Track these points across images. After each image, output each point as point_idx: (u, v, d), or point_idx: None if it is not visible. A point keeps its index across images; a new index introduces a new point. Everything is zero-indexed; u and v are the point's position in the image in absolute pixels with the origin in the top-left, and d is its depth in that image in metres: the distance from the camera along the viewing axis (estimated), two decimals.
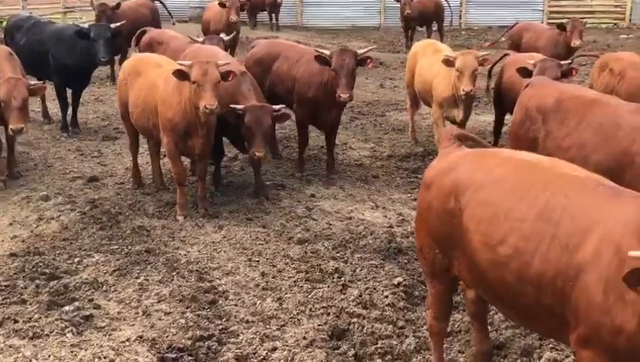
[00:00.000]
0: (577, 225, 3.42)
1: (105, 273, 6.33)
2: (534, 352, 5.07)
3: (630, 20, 26.07)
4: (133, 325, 5.49)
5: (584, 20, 13.14)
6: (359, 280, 6.22)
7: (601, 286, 3.25)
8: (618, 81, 8.31)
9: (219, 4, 15.45)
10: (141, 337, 5.27)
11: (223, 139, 8.50)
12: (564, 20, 26.17)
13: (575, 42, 11.98)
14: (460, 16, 26.01)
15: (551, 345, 5.16)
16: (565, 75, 7.98)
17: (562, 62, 8.16)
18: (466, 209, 3.88)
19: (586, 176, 3.71)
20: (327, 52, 8.72)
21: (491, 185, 3.85)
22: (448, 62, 8.84)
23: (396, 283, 6.10)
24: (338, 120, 9.26)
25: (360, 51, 8.77)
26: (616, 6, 26.60)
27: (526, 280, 3.58)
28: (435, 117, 9.64)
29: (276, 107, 7.91)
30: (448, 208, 3.99)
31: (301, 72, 8.95)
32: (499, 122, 9.74)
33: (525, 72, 7.73)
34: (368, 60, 8.68)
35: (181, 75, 7.18)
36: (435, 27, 20.19)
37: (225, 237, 7.18)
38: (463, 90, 8.58)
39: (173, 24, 16.97)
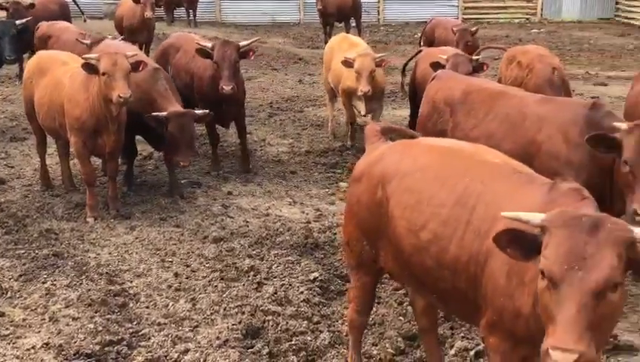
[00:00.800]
0: (489, 212, 3.48)
1: (10, 279, 6.08)
2: (446, 342, 5.12)
3: (541, 15, 26.90)
4: (39, 332, 5.28)
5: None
6: (275, 277, 6.15)
7: (504, 270, 3.31)
8: (527, 74, 8.48)
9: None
10: (47, 344, 5.07)
11: (136, 137, 8.28)
12: (478, 15, 27.08)
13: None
14: (378, 12, 26.29)
15: (462, 334, 5.25)
16: (477, 69, 8.15)
17: (473, 57, 8.32)
18: (392, 197, 3.92)
19: (504, 163, 3.78)
20: (209, 44, 8.64)
21: (416, 173, 3.90)
22: (347, 64, 9.17)
23: (312, 278, 6.07)
24: (239, 115, 9.12)
25: (242, 43, 8.78)
26: (527, 1, 27.37)
27: (444, 264, 3.63)
28: (343, 102, 10.05)
29: (199, 112, 7.79)
30: (376, 199, 4.02)
31: (197, 66, 8.88)
32: (414, 116, 9.84)
33: (438, 67, 7.82)
34: (251, 53, 8.78)
35: (90, 68, 6.95)
36: (353, 23, 20.32)
37: (137, 238, 6.99)
38: (361, 91, 8.99)
39: (85, 21, 16.50)
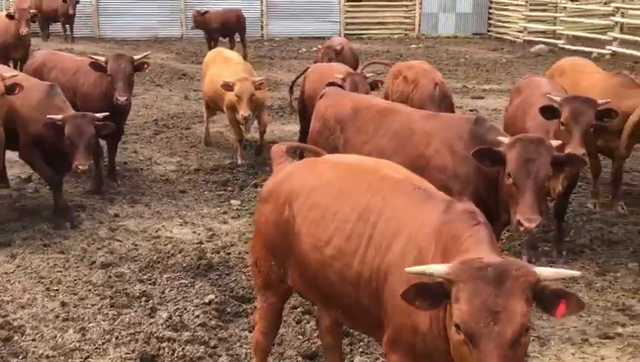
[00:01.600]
0: (389, 227, 3.52)
1: None
2: (345, 358, 5.12)
3: (419, 31, 27.84)
4: None
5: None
6: (168, 301, 5.98)
7: (404, 287, 3.31)
8: (412, 89, 8.73)
9: (6, 15, 14.30)
10: None
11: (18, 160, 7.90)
12: (359, 31, 27.68)
13: None
14: (262, 27, 26.39)
15: (361, 349, 5.27)
16: (372, 87, 8.32)
17: (367, 75, 8.50)
18: (298, 214, 3.92)
19: (405, 178, 3.82)
20: (102, 58, 8.76)
21: (321, 189, 3.92)
22: (227, 87, 9.41)
23: (207, 301, 5.95)
24: (122, 128, 9.09)
25: (137, 57, 8.85)
26: (406, 17, 28.27)
27: (347, 280, 3.64)
28: (229, 118, 10.19)
29: (99, 115, 7.48)
30: (283, 217, 4.00)
31: (80, 83, 8.87)
32: (304, 131, 9.88)
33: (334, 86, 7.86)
34: (145, 65, 8.91)
35: None
36: (238, 38, 20.31)
37: (19, 266, 6.63)
38: (242, 116, 9.38)
39: None
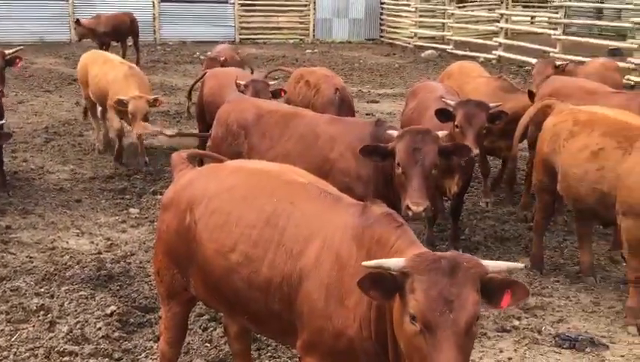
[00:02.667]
0: (300, 232, 3.54)
1: None
2: None
3: (314, 36, 28.16)
4: None
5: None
6: (68, 314, 5.78)
7: (322, 292, 3.37)
8: (314, 94, 8.86)
9: None
10: None
11: None
12: (254, 36, 27.67)
13: None
14: (154, 31, 25.96)
15: (269, 354, 5.28)
16: (275, 95, 8.33)
17: (270, 83, 8.54)
18: (200, 220, 3.87)
19: (310, 183, 3.84)
20: None
21: (223, 194, 3.88)
22: (121, 104, 9.36)
23: (109, 312, 5.79)
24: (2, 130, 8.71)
25: (8, 52, 8.77)
26: (300, 22, 28.52)
27: (255, 286, 3.63)
28: (110, 117, 10.26)
29: None
30: (185, 224, 3.94)
31: None
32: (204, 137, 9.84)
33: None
34: (17, 60, 8.85)
35: None
36: (130, 42, 19.90)
37: None
38: (136, 134, 9.47)
39: None
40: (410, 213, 5.20)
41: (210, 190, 3.95)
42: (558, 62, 10.38)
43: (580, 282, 6.68)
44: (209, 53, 13.16)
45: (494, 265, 3.02)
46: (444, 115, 6.67)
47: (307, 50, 24.96)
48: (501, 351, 5.43)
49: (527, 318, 5.95)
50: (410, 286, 2.87)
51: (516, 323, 5.85)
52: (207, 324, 5.66)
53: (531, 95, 8.26)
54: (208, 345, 5.42)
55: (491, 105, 6.87)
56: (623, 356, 5.39)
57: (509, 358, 5.30)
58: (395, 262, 2.97)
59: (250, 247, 3.65)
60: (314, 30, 28.28)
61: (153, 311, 5.84)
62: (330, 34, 28.42)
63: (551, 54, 19.05)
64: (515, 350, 5.43)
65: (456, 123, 6.62)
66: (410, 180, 5.27)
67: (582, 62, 10.47)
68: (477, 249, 7.45)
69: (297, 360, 4.46)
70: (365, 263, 3.06)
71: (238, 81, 8.28)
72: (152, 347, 5.29)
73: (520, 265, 3.51)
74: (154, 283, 5.40)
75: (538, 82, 9.44)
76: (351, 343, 3.31)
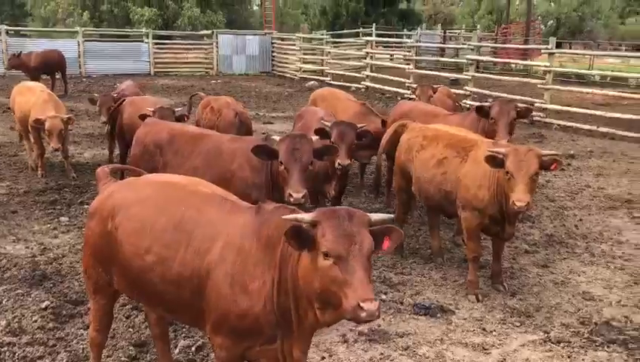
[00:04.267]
0: (206, 234, 3.49)
1: None
2: (171, 342, 4.99)
3: (217, 69, 27.84)
4: None
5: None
6: (6, 310, 5.44)
7: (228, 280, 3.36)
8: (217, 118, 8.75)
9: None
10: None
11: None
12: (166, 69, 27.08)
13: None
14: (80, 65, 24.92)
15: (184, 334, 5.17)
16: (179, 119, 8.11)
17: (176, 109, 8.34)
18: (120, 226, 3.74)
19: (213, 192, 3.80)
20: None
21: (139, 203, 3.76)
22: (39, 122, 9.15)
23: (44, 306, 5.49)
24: None
25: None
26: (205, 58, 28.15)
27: (168, 280, 3.55)
28: (32, 137, 9.89)
29: None
30: (107, 230, 3.80)
31: None
32: (124, 155, 9.49)
33: (144, 117, 7.58)
34: None
35: None
36: (58, 75, 19.00)
37: None
38: (53, 148, 9.17)
39: None
40: (291, 199, 5.23)
41: (128, 200, 3.83)
42: (435, 86, 10.84)
43: (432, 262, 6.92)
44: (117, 85, 12.66)
45: (375, 215, 3.18)
46: (322, 134, 6.77)
47: (212, 81, 24.62)
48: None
49: (392, 292, 6.09)
50: (321, 231, 3.02)
51: (383, 296, 5.98)
52: (130, 312, 5.48)
53: (384, 123, 8.57)
54: (131, 329, 5.24)
55: (359, 125, 7.02)
56: (465, 319, 5.61)
57: (379, 325, 5.41)
58: (307, 216, 3.13)
59: (163, 249, 3.57)
60: (217, 65, 27.98)
61: (83, 304, 5.58)
62: (231, 68, 28.18)
63: (406, 84, 19.70)
64: (383, 319, 5.55)
65: (332, 140, 6.72)
66: (291, 174, 5.32)
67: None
68: None
69: (208, 339, 4.40)
70: (285, 216, 3.19)
71: (147, 108, 8.07)
72: (82, 334, 5.06)
73: (391, 215, 3.78)
74: (83, 280, 5.16)
75: (423, 101, 9.88)
76: (257, 319, 3.32)
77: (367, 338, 5.17)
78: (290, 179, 5.33)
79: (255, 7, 47.52)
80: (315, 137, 5.96)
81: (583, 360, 4.93)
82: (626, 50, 35.61)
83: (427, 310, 5.69)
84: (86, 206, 7.71)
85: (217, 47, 27.91)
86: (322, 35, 27.62)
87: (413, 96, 10.69)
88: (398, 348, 5.05)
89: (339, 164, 6.58)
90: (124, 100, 9.85)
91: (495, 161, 5.41)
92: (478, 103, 8.67)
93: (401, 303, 5.85)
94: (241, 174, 5.83)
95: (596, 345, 5.14)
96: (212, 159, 5.94)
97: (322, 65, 25.91)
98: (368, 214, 3.14)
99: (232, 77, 26.56)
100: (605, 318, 5.62)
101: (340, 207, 3.16)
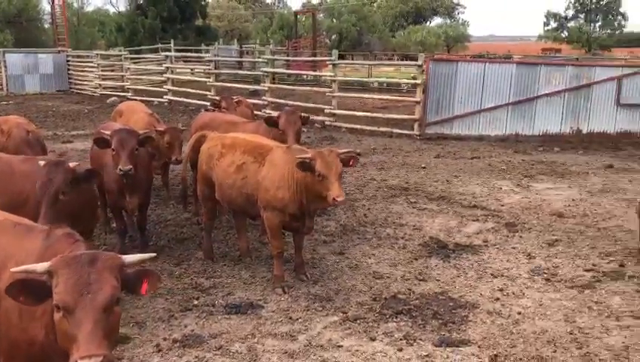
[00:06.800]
0: None
1: None
2: None
3: (8, 90, 25.23)
4: None
5: None
6: None
7: (17, 310, 3.03)
8: (6, 138, 7.91)
9: None
10: None
11: None
12: None
13: None
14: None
15: None
16: None
17: None
18: None
19: (5, 218, 3.46)
20: None
21: None
22: None
23: None
24: None
25: None
26: None
27: None
28: None
29: None
30: None
31: None
32: None
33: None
34: None
35: None
36: None
37: None
38: None
39: None
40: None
41: None
42: (234, 98, 10.78)
43: (241, 262, 6.95)
44: None
45: (130, 257, 2.95)
46: (102, 142, 6.46)
47: (2, 102, 22.22)
48: (186, 326, 5.40)
49: (203, 297, 6.00)
50: (56, 281, 2.71)
51: (196, 302, 5.88)
52: None
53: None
54: None
55: (140, 132, 6.80)
56: (273, 311, 5.71)
57: (192, 330, 5.30)
58: (40, 265, 2.78)
59: None
60: (7, 85, 25.31)
61: None
62: (23, 87, 25.70)
63: (208, 96, 19.59)
64: (197, 323, 5.46)
65: (112, 147, 6.40)
66: (43, 201, 4.93)
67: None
68: (163, 250, 7.34)
69: None
70: (13, 269, 2.81)
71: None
72: None
73: (152, 254, 3.32)
74: None
75: (231, 112, 9.80)
76: (43, 349, 3.03)
77: (180, 345, 5.04)
78: (43, 206, 4.92)
79: (47, 25, 43.86)
80: (73, 163, 5.37)
81: (376, 332, 5.29)
82: (397, 59, 39.18)
83: (238, 308, 5.70)
84: None
85: (5, 66, 25.26)
86: (120, 51, 26.37)
87: (212, 108, 10.66)
88: (211, 348, 4.99)
89: (120, 169, 6.27)
90: None
91: (305, 166, 5.60)
92: (271, 113, 8.93)
93: (213, 306, 5.80)
94: (33, 196, 5.31)
95: (387, 318, 5.56)
96: (5, 181, 5.36)
97: (122, 82, 24.75)
98: (121, 257, 2.89)
99: (25, 97, 24.24)
100: (393, 292, 6.11)
101: (87, 251, 2.85)
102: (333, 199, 5.46)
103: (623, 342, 5.08)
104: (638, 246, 7.15)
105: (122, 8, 44.65)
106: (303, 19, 48.19)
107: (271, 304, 5.86)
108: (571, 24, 59.00)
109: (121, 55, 25.52)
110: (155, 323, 5.45)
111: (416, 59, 16.08)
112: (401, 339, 5.14)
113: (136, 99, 21.61)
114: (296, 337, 5.19)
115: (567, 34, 58.06)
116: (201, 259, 7.02)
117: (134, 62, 26.67)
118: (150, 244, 7.42)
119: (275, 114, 7.85)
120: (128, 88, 23.88)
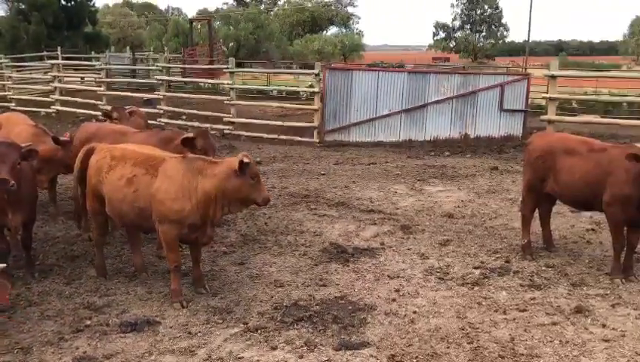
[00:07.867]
0: None
1: None
2: None
3: None
4: None
5: None
6: None
7: None
8: None
9: None
10: None
11: None
12: None
13: None
14: None
15: None
16: None
17: None
18: None
19: None
20: None
21: None
22: None
23: None
24: None
25: None
26: None
27: None
28: None
29: None
30: None
31: None
32: None
33: None
34: None
35: None
36: None
37: None
38: None
39: None
40: None
41: None
42: (127, 108, 10.31)
43: (137, 279, 6.68)
44: None
45: None
46: None
47: None
48: (77, 348, 5.12)
49: (96, 316, 5.71)
50: None
51: (88, 322, 5.58)
52: None
53: (56, 141, 8.26)
54: None
55: (23, 145, 6.42)
56: (171, 327, 5.49)
57: (84, 352, 5.03)
58: None
59: None
60: None
61: None
62: None
63: (99, 105, 18.75)
64: (89, 344, 5.18)
65: None
66: None
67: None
68: (52, 269, 6.92)
69: None
70: None
71: None
72: None
73: (2, 265, 3.16)
74: None
75: (124, 122, 9.36)
76: None
77: None
78: None
79: None
80: None
81: (277, 341, 5.28)
82: (295, 67, 39.54)
83: (133, 326, 5.47)
84: None
85: None
86: (0, 59, 24.65)
87: (103, 118, 10.21)
88: None
89: None
90: None
91: (240, 172, 5.66)
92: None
93: (107, 325, 5.54)
94: None
95: (288, 325, 5.56)
96: None
97: (4, 91, 23.14)
98: None
99: None
100: (294, 300, 6.13)
101: None
102: (263, 199, 5.78)
103: (510, 334, 5.41)
104: (522, 243, 7.66)
105: (2, 13, 41.72)
106: (199, 26, 47.45)
107: (169, 319, 5.68)
108: (458, 34, 62.50)
109: (1, 63, 23.88)
110: (42, 347, 5.13)
111: (314, 68, 16.32)
112: (302, 346, 5.16)
113: (19, 110, 20.46)
114: (195, 352, 5.07)
115: (454, 44, 61.42)
116: (94, 276, 6.70)
117: (17, 71, 25.03)
118: (37, 264, 6.97)
119: (190, 135, 7.53)
120: (11, 98, 22.38)
